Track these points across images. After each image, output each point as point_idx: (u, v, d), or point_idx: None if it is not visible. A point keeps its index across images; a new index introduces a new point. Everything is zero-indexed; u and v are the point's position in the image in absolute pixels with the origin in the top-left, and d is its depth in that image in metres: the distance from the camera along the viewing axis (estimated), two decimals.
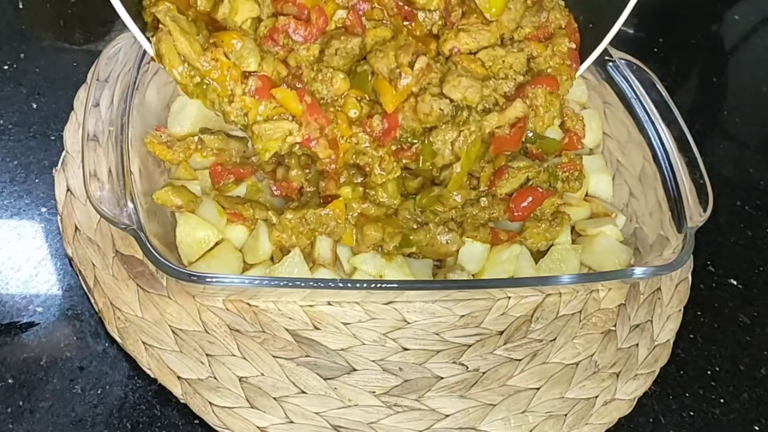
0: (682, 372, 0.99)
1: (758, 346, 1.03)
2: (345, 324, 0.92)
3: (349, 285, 0.88)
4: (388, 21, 0.92)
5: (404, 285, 0.90)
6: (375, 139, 0.90)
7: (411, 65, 0.87)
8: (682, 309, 1.02)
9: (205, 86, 0.85)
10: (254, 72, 0.85)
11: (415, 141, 0.92)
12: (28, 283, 0.92)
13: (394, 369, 0.90)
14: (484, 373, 0.91)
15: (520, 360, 0.93)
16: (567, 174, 1.02)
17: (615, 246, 1.00)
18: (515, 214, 0.98)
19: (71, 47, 1.19)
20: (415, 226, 0.94)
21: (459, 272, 0.94)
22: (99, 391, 0.85)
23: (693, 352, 1.01)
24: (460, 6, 0.92)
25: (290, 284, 0.85)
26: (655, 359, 0.96)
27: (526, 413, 0.89)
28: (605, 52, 1.09)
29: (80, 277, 0.91)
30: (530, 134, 0.98)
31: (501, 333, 0.95)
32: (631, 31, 1.48)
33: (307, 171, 0.96)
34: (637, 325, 0.98)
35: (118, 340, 0.87)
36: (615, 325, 0.98)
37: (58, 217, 0.95)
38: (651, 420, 0.94)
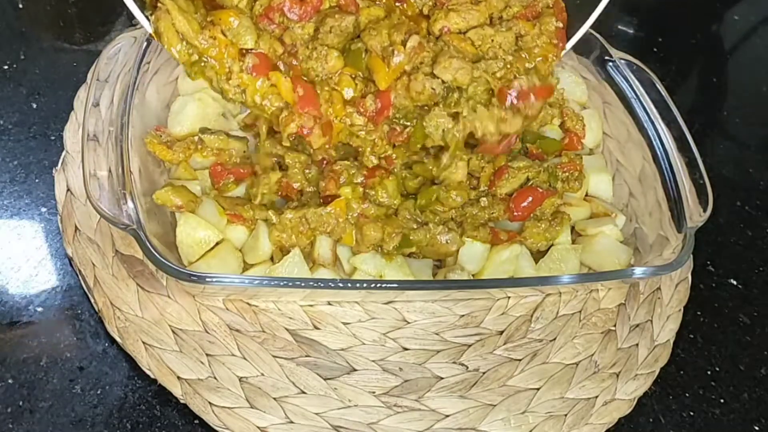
0: (682, 372, 0.99)
1: (758, 346, 1.03)
2: (345, 324, 0.92)
3: (349, 285, 0.88)
4: (380, 1, 0.93)
5: (404, 285, 0.90)
6: (369, 119, 0.91)
7: (404, 44, 0.89)
8: (682, 309, 1.02)
9: (203, 64, 0.86)
10: (251, 49, 0.86)
11: (408, 123, 0.92)
12: (28, 283, 0.92)
13: (394, 369, 0.90)
14: (484, 373, 0.91)
15: (520, 360, 0.93)
16: (567, 174, 1.02)
17: (615, 246, 1.00)
18: (515, 214, 0.98)
19: (71, 47, 1.19)
20: (415, 226, 0.94)
21: (459, 272, 0.94)
22: (99, 391, 0.85)
23: (693, 352, 1.01)
24: None
25: (290, 284, 0.85)
26: (655, 359, 0.96)
27: (526, 413, 0.89)
28: (605, 51, 1.10)
29: (80, 277, 0.91)
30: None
31: (501, 333, 0.95)
32: (631, 31, 1.48)
33: (307, 171, 0.96)
34: (637, 325, 0.98)
35: (118, 340, 0.87)
36: (615, 325, 0.98)
37: (58, 217, 0.95)
38: (651, 420, 0.94)
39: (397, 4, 0.94)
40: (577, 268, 0.99)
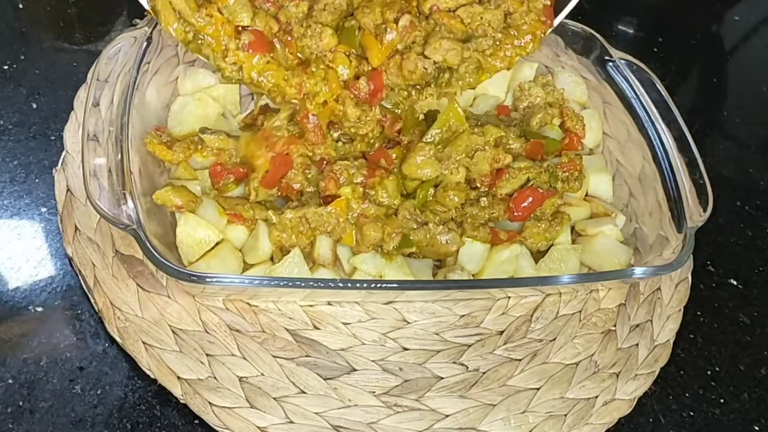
0: (682, 372, 0.99)
1: (758, 346, 1.03)
2: (345, 324, 0.92)
3: (349, 285, 0.88)
4: None
5: (404, 285, 0.90)
6: (363, 100, 0.94)
7: (396, 21, 0.91)
8: (682, 309, 1.02)
9: (200, 41, 0.88)
10: (247, 27, 0.88)
11: (398, 110, 0.96)
12: (28, 284, 0.92)
13: (394, 369, 0.90)
14: (484, 373, 0.91)
15: (520, 360, 0.93)
16: (567, 174, 1.02)
17: (615, 246, 1.00)
18: (515, 214, 0.98)
19: (71, 47, 1.19)
20: (415, 226, 0.94)
21: (459, 272, 0.94)
22: (99, 392, 0.85)
23: (693, 352, 1.01)
24: None
25: (290, 284, 0.85)
26: (655, 359, 0.96)
27: (526, 413, 0.89)
28: (605, 51, 1.10)
29: (80, 277, 0.91)
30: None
31: (501, 333, 0.95)
32: (631, 31, 1.48)
33: (307, 171, 0.96)
34: (637, 325, 0.98)
35: (118, 340, 0.87)
36: (615, 325, 0.98)
37: (58, 217, 0.95)
38: (651, 420, 0.94)
39: None
40: (577, 268, 0.99)
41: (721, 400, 0.97)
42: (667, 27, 1.50)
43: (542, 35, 0.97)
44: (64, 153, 1.00)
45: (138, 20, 1.11)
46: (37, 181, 1.01)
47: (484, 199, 0.97)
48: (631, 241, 1.01)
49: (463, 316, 0.96)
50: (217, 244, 0.91)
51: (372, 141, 0.98)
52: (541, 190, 0.98)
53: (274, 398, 0.85)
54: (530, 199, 0.98)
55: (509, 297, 0.98)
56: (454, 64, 0.93)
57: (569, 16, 1.01)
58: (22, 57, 1.15)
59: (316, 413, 0.85)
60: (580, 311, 0.98)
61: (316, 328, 0.92)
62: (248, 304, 0.92)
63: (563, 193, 1.02)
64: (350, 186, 0.93)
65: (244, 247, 0.93)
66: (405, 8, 0.93)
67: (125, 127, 0.88)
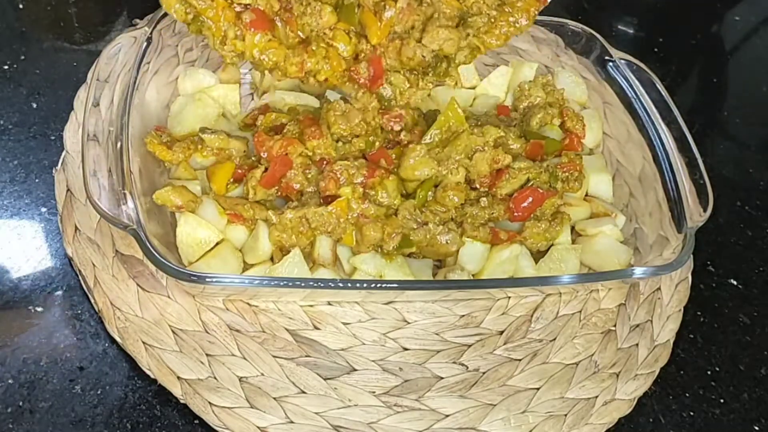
0: (682, 372, 0.99)
1: (758, 346, 1.03)
2: (345, 324, 0.92)
3: (349, 285, 0.88)
4: None
5: (404, 285, 0.90)
6: (362, 86, 0.96)
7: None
8: (682, 309, 1.02)
9: (200, 23, 0.88)
10: (248, 5, 0.89)
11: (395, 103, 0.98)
12: (28, 284, 0.92)
13: (394, 369, 0.90)
14: (484, 373, 0.91)
15: (520, 360, 0.93)
16: (567, 174, 1.02)
17: (615, 246, 1.00)
18: (515, 214, 0.98)
19: (71, 47, 1.19)
20: (415, 226, 0.94)
21: (459, 272, 0.94)
22: (99, 392, 0.85)
23: (693, 352, 1.01)
24: None
25: (290, 284, 0.85)
26: (655, 359, 0.96)
27: (526, 413, 0.89)
28: (605, 51, 1.10)
29: (80, 277, 0.91)
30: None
31: (501, 333, 0.95)
32: (631, 31, 1.48)
33: (307, 171, 0.96)
34: (637, 325, 0.98)
35: (118, 340, 0.87)
36: (615, 325, 0.98)
37: (58, 217, 0.95)
38: (651, 420, 0.94)
39: None
40: (577, 268, 0.99)
41: (721, 400, 0.97)
42: (667, 27, 1.50)
43: (536, 12, 0.98)
44: (64, 153, 1.00)
45: (138, 20, 1.12)
46: (37, 181, 1.01)
47: (484, 199, 0.97)
48: (631, 241, 1.01)
49: (463, 316, 0.96)
50: (217, 244, 0.91)
51: (372, 140, 0.98)
52: (541, 190, 0.98)
53: (274, 398, 0.85)
54: (530, 199, 0.98)
55: (509, 297, 0.98)
56: (451, 52, 0.95)
57: (569, 16, 1.01)
58: (22, 57, 1.15)
59: (316, 413, 0.85)
60: (580, 311, 0.98)
61: (316, 328, 0.92)
62: (248, 304, 0.92)
63: (563, 193, 1.02)
64: (350, 186, 0.93)
65: (244, 247, 0.94)
66: None
67: (125, 127, 0.88)
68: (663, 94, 1.04)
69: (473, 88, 1.16)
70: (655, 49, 1.44)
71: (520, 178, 0.99)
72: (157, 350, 0.86)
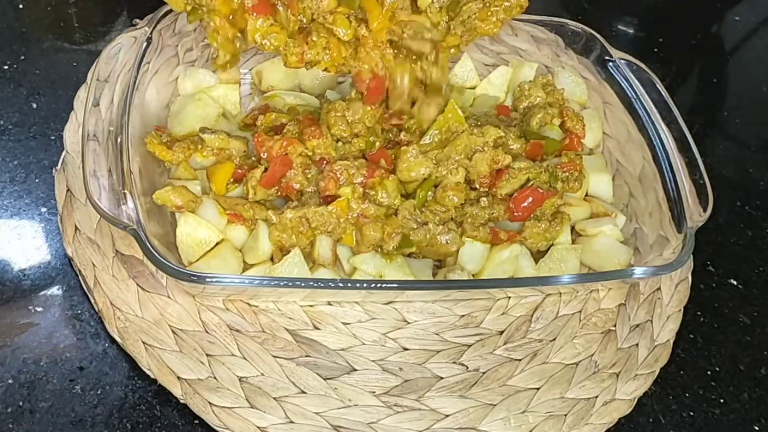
0: (682, 372, 0.99)
1: (758, 346, 1.03)
2: (345, 324, 0.92)
3: (349, 285, 0.88)
4: None
5: (404, 285, 0.90)
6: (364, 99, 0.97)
7: None
8: (682, 309, 1.02)
9: (199, 12, 0.89)
10: None
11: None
12: (28, 284, 0.92)
13: (394, 369, 0.90)
14: (484, 373, 0.91)
15: (520, 360, 0.93)
16: (567, 174, 1.02)
17: (615, 246, 1.00)
18: (515, 214, 0.98)
19: (71, 47, 1.19)
20: (415, 226, 0.94)
21: (459, 272, 0.94)
22: (99, 392, 0.85)
23: (693, 352, 1.01)
24: None
25: (290, 284, 0.85)
26: (655, 359, 0.96)
27: (526, 413, 0.89)
28: (605, 51, 1.10)
29: (80, 277, 0.91)
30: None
31: (501, 333, 0.95)
32: (631, 31, 1.48)
33: (307, 171, 0.96)
34: (637, 325, 0.98)
35: (118, 340, 0.87)
36: (615, 325, 0.98)
37: (58, 217, 0.95)
38: (651, 420, 0.94)
39: None
40: (577, 268, 0.99)
41: (721, 400, 0.97)
42: (667, 27, 1.50)
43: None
44: (64, 153, 1.00)
45: (138, 20, 1.12)
46: (37, 181, 1.01)
47: (484, 199, 0.97)
48: (631, 241, 1.01)
49: (463, 316, 0.96)
50: (217, 244, 0.91)
51: (372, 140, 0.98)
52: (541, 190, 0.98)
53: (274, 398, 0.85)
54: (530, 199, 0.98)
55: (509, 297, 0.98)
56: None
57: (569, 16, 1.01)
58: (22, 57, 1.15)
59: (316, 413, 0.85)
60: (580, 311, 0.98)
61: (316, 328, 0.92)
62: (248, 304, 0.92)
63: (563, 193, 1.02)
64: (350, 186, 0.93)
65: (244, 247, 0.94)
66: None
67: (125, 127, 0.88)
68: (663, 94, 1.04)
69: (473, 88, 1.17)
70: (655, 49, 1.44)
71: (520, 178, 0.99)
72: (157, 350, 0.86)
